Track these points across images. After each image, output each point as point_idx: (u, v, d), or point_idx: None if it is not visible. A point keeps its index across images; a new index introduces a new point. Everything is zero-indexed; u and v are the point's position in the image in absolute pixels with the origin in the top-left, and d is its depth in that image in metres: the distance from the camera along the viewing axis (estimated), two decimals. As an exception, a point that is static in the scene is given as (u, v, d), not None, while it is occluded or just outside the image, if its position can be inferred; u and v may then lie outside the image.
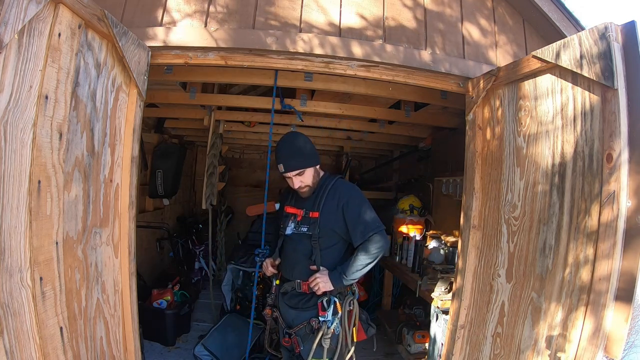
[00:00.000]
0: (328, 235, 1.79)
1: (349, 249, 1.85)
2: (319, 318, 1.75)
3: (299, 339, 1.80)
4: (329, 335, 1.73)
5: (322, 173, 1.91)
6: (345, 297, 1.81)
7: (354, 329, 1.84)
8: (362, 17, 1.92)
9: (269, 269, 1.95)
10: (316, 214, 1.79)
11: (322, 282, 1.73)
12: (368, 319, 2.00)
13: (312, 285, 1.74)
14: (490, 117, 1.89)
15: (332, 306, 1.74)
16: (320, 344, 1.72)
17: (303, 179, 1.78)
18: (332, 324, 1.73)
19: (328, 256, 1.81)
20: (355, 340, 1.84)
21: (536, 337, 1.49)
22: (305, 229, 1.80)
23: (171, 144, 4.27)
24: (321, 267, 1.78)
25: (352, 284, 1.83)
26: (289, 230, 1.87)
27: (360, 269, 1.73)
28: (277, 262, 1.94)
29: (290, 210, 1.91)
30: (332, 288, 1.74)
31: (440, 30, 2.00)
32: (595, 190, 1.32)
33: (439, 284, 2.52)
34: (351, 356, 1.83)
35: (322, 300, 1.76)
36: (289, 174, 1.77)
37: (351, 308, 1.83)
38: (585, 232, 1.34)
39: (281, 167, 1.78)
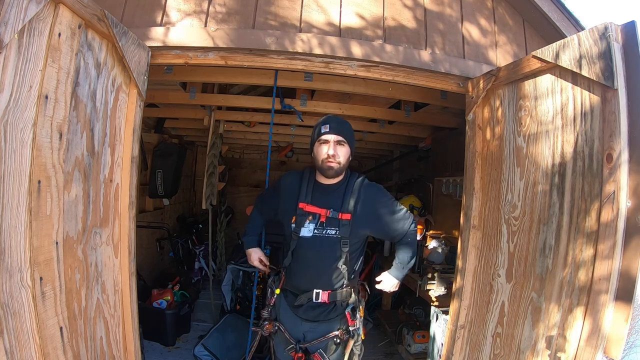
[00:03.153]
0: (358, 239, 1.67)
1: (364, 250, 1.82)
2: (349, 328, 1.68)
3: (322, 352, 1.66)
4: (359, 342, 1.70)
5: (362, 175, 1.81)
6: (362, 300, 1.80)
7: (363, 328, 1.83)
8: (362, 17, 1.92)
9: (262, 264, 1.86)
10: (348, 216, 1.60)
11: (390, 287, 1.78)
12: (367, 315, 2.02)
13: (387, 290, 1.79)
14: (490, 117, 1.88)
15: (358, 312, 1.72)
16: (352, 352, 1.69)
17: (340, 152, 1.60)
18: (360, 330, 1.71)
19: (353, 260, 1.70)
20: (363, 337, 1.82)
21: (536, 337, 1.49)
22: (334, 232, 1.61)
23: (171, 144, 4.27)
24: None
25: (364, 284, 1.87)
26: (306, 232, 1.63)
27: (413, 256, 1.77)
28: (266, 261, 1.88)
29: (310, 208, 1.63)
30: (396, 284, 1.79)
31: (440, 30, 2.00)
32: (595, 190, 1.32)
33: (438, 284, 2.52)
34: (360, 353, 1.81)
35: (349, 310, 1.68)
36: (332, 137, 1.59)
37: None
38: (585, 232, 1.34)
39: (326, 128, 1.59)
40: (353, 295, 1.71)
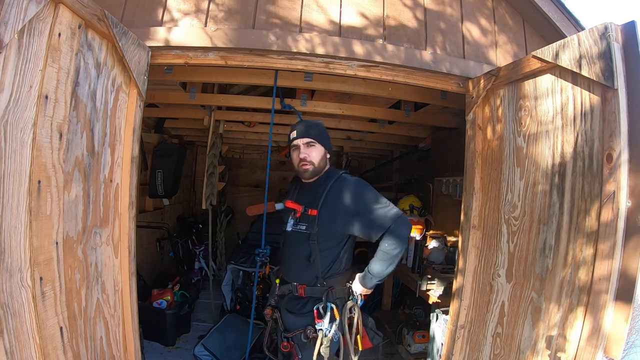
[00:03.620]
0: (327, 236, 1.67)
1: (350, 249, 1.77)
2: (315, 326, 1.63)
3: (297, 347, 1.70)
4: (328, 344, 1.62)
5: (328, 167, 1.80)
6: (345, 303, 1.71)
7: (358, 336, 1.75)
8: (363, 17, 1.92)
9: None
10: (314, 212, 1.65)
11: (357, 292, 1.70)
12: (374, 326, 1.89)
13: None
14: (490, 117, 1.89)
15: (329, 313, 1.64)
16: (320, 354, 1.61)
17: (310, 153, 1.67)
18: (329, 332, 1.61)
19: (327, 258, 1.70)
20: (360, 348, 1.75)
21: (536, 337, 1.49)
22: (304, 228, 1.69)
23: (171, 144, 4.27)
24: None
25: (354, 290, 1.74)
26: (289, 227, 1.76)
27: (386, 265, 1.61)
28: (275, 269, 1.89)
29: (290, 205, 1.76)
30: (363, 290, 1.68)
31: (440, 30, 2.00)
32: (595, 190, 1.32)
33: (438, 284, 2.52)
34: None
35: (318, 307, 1.65)
36: (300, 141, 1.67)
37: (352, 314, 1.72)
38: (585, 232, 1.34)
39: (293, 134, 1.68)
40: (330, 294, 1.68)
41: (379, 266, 1.64)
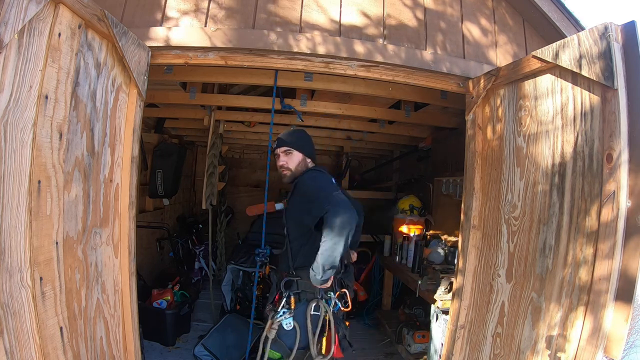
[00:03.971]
0: (293, 227, 1.83)
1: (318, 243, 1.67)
2: (271, 306, 1.79)
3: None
4: (276, 328, 1.73)
5: (309, 166, 1.92)
6: (313, 299, 1.75)
7: (324, 339, 1.75)
8: (363, 16, 1.92)
9: None
10: (285, 204, 1.90)
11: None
12: (346, 336, 1.91)
13: None
14: (490, 117, 1.89)
15: (285, 299, 1.74)
16: (266, 335, 1.74)
17: (287, 160, 1.87)
18: (279, 316, 1.71)
19: (295, 249, 1.82)
20: (324, 353, 1.75)
21: (536, 337, 1.49)
22: (284, 221, 1.88)
23: (171, 144, 4.27)
24: None
25: (329, 288, 1.76)
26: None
27: (323, 259, 1.55)
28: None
29: (285, 204, 1.97)
30: (322, 285, 1.67)
31: (441, 30, 2.00)
32: (595, 190, 1.32)
33: (439, 284, 2.52)
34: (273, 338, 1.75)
35: (281, 291, 1.78)
36: (279, 150, 1.88)
37: (318, 314, 1.75)
38: (585, 232, 1.34)
39: (274, 144, 1.90)
40: (295, 284, 1.78)
41: (318, 259, 1.58)
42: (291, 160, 1.87)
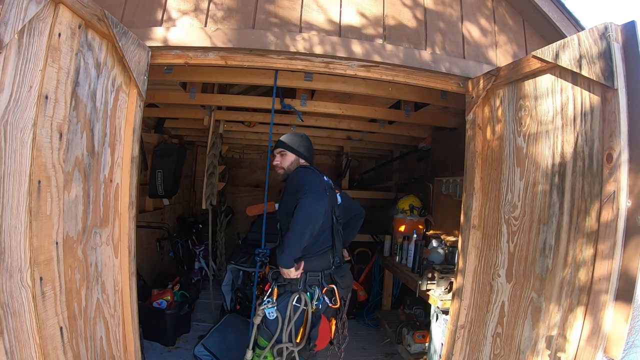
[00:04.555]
0: (284, 220, 1.94)
1: None
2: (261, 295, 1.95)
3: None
4: (260, 315, 1.88)
5: (302, 165, 2.08)
6: (297, 292, 1.87)
7: (302, 329, 1.87)
8: (362, 17, 1.92)
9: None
10: (278, 201, 2.07)
11: (284, 273, 1.84)
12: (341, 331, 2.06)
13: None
14: (490, 117, 1.89)
15: (271, 290, 1.91)
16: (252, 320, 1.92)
17: (281, 160, 2.09)
18: (263, 304, 1.87)
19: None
20: (299, 341, 1.86)
21: (536, 337, 1.49)
22: (277, 216, 2.06)
23: (171, 144, 4.27)
24: None
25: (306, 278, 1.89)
26: None
27: (289, 245, 1.75)
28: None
29: None
30: (287, 268, 1.79)
31: (440, 30, 2.00)
32: (595, 190, 1.32)
33: (438, 284, 2.52)
34: (291, 352, 1.85)
35: (270, 281, 1.95)
36: (276, 151, 2.11)
37: (299, 305, 1.85)
38: (585, 232, 1.34)
39: (274, 146, 2.13)
40: (281, 276, 1.89)
41: (285, 240, 1.77)
42: (284, 160, 2.08)
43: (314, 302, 1.88)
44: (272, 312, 1.86)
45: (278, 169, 2.11)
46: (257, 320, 1.91)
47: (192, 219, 5.14)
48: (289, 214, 1.84)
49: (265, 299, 1.90)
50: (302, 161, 2.11)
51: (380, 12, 1.95)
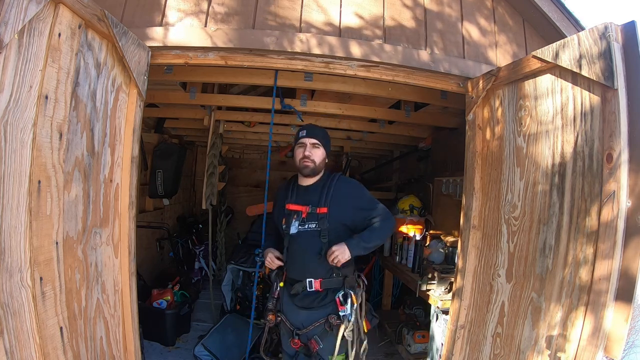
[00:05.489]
0: (337, 230, 1.78)
1: None
2: (339, 313, 1.75)
3: (317, 338, 1.79)
4: (351, 328, 1.76)
5: (324, 169, 1.92)
6: (357, 289, 1.83)
7: (364, 320, 1.88)
8: (362, 17, 1.92)
9: (274, 262, 1.88)
10: (324, 210, 1.78)
11: (340, 254, 1.70)
12: (371, 310, 2.06)
13: (331, 260, 1.71)
14: (490, 117, 1.88)
15: (350, 299, 1.76)
16: (344, 338, 1.74)
17: (314, 153, 1.83)
18: (352, 316, 1.75)
19: None
20: (365, 331, 1.87)
21: (536, 337, 1.49)
22: (314, 225, 1.79)
23: (171, 144, 4.27)
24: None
25: (360, 276, 1.90)
26: (293, 229, 1.82)
27: (377, 237, 1.82)
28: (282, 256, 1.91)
29: (293, 207, 1.85)
30: (349, 257, 1.72)
31: (440, 30, 2.00)
32: (595, 190, 1.32)
33: (439, 284, 2.52)
34: (365, 346, 1.87)
35: (339, 296, 1.77)
36: (308, 140, 1.83)
37: (361, 300, 1.86)
38: (585, 232, 1.34)
39: (303, 133, 1.85)
40: (346, 283, 1.81)
41: (371, 234, 1.79)
42: (317, 154, 1.84)
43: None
44: (354, 319, 1.81)
45: (307, 161, 1.81)
46: (351, 334, 1.79)
47: (192, 219, 5.14)
48: (345, 228, 1.80)
49: (350, 310, 1.76)
50: (326, 160, 1.95)
51: (380, 12, 1.95)
